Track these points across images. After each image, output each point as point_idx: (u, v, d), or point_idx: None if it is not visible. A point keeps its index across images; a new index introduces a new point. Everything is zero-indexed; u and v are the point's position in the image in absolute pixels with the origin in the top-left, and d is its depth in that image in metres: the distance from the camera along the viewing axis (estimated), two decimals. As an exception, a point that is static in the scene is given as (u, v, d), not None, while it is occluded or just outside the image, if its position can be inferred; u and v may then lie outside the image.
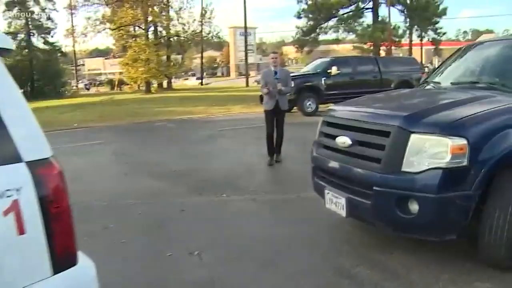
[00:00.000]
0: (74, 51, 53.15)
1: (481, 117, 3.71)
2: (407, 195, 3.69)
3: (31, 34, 46.38)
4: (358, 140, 4.14)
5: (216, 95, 32.36)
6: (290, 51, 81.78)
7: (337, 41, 45.93)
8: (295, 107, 16.66)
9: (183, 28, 43.82)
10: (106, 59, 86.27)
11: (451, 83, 5.16)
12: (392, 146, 3.79)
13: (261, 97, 9.94)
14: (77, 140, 13.19)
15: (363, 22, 41.80)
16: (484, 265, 3.85)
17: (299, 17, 42.20)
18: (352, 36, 43.41)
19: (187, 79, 70.88)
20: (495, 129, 3.66)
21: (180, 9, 43.20)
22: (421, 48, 50.11)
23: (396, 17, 42.38)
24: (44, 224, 1.88)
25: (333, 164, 4.50)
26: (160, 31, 43.64)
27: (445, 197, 3.56)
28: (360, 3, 41.54)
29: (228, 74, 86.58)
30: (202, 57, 63.72)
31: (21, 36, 45.82)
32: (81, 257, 2.14)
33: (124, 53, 44.86)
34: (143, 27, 41.60)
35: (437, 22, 44.03)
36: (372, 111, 4.46)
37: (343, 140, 4.25)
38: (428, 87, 5.42)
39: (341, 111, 4.82)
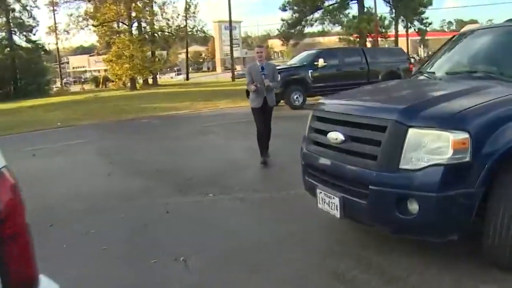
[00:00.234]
0: (58, 48, 52.37)
1: (483, 109, 3.46)
2: (406, 194, 3.45)
3: (13, 32, 45.58)
4: (352, 136, 3.88)
5: (201, 90, 32.05)
6: (276, 45, 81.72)
7: (323, 33, 45.77)
8: (282, 101, 16.41)
9: (167, 23, 43.52)
10: (90, 56, 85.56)
11: (446, 73, 4.92)
12: (388, 141, 3.53)
13: (248, 92, 9.64)
14: (60, 139, 12.81)
15: (348, 13, 41.58)
16: (488, 266, 3.63)
17: (284, 9, 41.94)
18: (338, 28, 43.28)
19: (172, 76, 70.45)
20: (498, 121, 3.41)
21: (163, 4, 42.76)
22: (407, 39, 50.00)
23: (382, 8, 42.13)
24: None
25: (325, 161, 4.23)
26: (144, 27, 43.25)
27: (446, 195, 3.32)
28: (345, -6, 41.30)
29: (214, 69, 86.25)
30: (187, 52, 63.16)
31: (2, 34, 45.10)
32: (44, 281, 1.85)
33: (108, 49, 44.34)
34: (127, 23, 41.16)
35: (423, 13, 43.97)
36: (366, 104, 4.20)
37: (335, 136, 3.98)
38: (422, 77, 5.16)
39: (333, 104, 4.54)
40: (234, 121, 14.08)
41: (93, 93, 36.97)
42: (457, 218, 3.43)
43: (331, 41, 49.85)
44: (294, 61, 19.82)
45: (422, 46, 55.59)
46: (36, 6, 46.40)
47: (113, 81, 43.98)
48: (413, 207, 3.43)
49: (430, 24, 46.07)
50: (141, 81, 43.70)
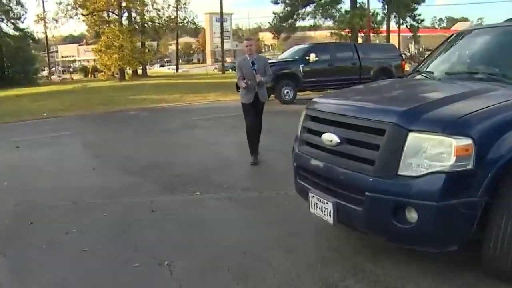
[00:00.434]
0: (46, 37, 51.80)
1: (487, 114, 3.26)
2: (404, 203, 3.25)
3: (0, 19, 44.97)
4: (348, 138, 3.67)
5: (191, 82, 31.76)
6: (267, 38, 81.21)
7: (314, 27, 45.45)
8: (272, 95, 16.20)
9: (157, 14, 43.35)
10: (80, 45, 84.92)
11: (445, 73, 4.71)
12: (387, 146, 3.33)
13: (238, 86, 9.38)
14: (45, 131, 12.54)
15: (341, 8, 41.25)
16: (488, 276, 3.47)
17: (276, 2, 41.48)
18: (329, 23, 42.91)
19: (163, 65, 69.94)
20: (503, 127, 3.21)
21: (154, -6, 42.38)
22: (399, 35, 49.83)
23: (374, 3, 41.99)
24: None
25: (319, 164, 4.01)
26: (134, 17, 42.97)
27: (447, 205, 3.12)
28: (338, -11, 40.98)
29: (204, 61, 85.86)
30: (177, 44, 62.72)
31: (-11, 22, 44.55)
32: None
33: (97, 39, 43.90)
34: (117, 13, 40.83)
35: (415, 9, 43.83)
36: (364, 105, 3.96)
37: (330, 138, 3.78)
38: (419, 77, 4.94)
39: (327, 104, 4.31)
40: (224, 114, 13.87)
41: (81, 83, 36.53)
42: (458, 228, 3.24)
43: (322, 35, 49.52)
44: (285, 55, 19.60)
45: (413, 43, 55.45)
46: (24, -7, 45.87)
47: (102, 71, 43.59)
48: (412, 216, 3.24)
49: (422, 21, 45.92)
50: (130, 71, 43.34)
